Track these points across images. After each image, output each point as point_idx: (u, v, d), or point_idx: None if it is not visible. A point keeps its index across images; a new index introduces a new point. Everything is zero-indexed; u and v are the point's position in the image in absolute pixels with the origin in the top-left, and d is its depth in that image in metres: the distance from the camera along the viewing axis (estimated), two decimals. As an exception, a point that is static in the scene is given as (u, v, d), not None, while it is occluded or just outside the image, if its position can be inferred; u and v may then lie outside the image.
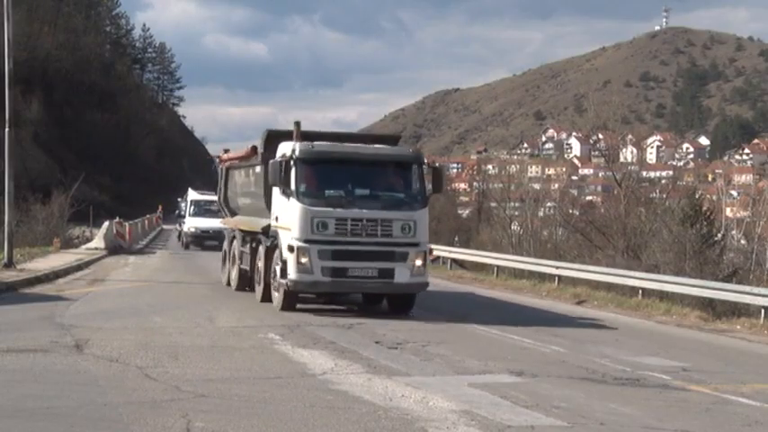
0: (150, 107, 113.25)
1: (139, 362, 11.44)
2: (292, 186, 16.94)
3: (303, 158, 17.07)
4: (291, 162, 17.02)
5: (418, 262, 17.12)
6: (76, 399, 9.27)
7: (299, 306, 17.44)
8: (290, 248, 16.68)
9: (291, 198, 16.91)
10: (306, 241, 16.63)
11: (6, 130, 24.52)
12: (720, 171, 66.51)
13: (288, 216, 17.04)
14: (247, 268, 20.07)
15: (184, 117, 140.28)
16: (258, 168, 19.26)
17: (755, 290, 20.16)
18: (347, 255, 16.73)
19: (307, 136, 17.79)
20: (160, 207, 60.09)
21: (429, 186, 18.18)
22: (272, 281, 17.89)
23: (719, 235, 32.02)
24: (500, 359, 12.92)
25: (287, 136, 17.89)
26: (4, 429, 7.99)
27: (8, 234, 24.26)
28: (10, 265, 23.54)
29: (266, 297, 18.25)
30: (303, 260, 16.57)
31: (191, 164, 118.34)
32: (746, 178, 73.85)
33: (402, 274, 17.00)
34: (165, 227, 57.05)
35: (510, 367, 12.28)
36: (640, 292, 22.40)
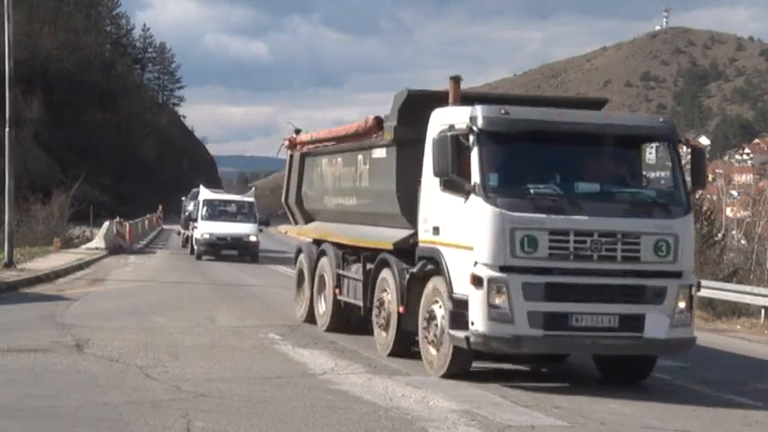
0: (150, 107, 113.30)
1: (140, 362, 11.45)
2: (475, 177, 10.71)
3: (493, 131, 10.84)
4: (470, 138, 10.83)
5: (681, 304, 10.88)
6: (77, 398, 9.28)
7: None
8: (476, 280, 10.46)
9: (472, 197, 10.70)
10: (503, 269, 10.47)
11: (7, 129, 24.56)
12: (721, 171, 66.36)
13: (464, 226, 10.86)
14: (357, 302, 13.71)
15: (184, 117, 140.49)
16: (381, 152, 13.18)
17: (755, 290, 20.18)
18: (571, 292, 10.59)
19: (469, 99, 11.68)
20: (160, 207, 60.08)
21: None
22: (422, 330, 11.62)
23: (720, 235, 32.00)
24: (500, 358, 12.90)
25: (438, 100, 11.97)
26: (4, 429, 8.00)
27: (8, 234, 24.28)
28: (10, 264, 23.56)
29: (399, 350, 12.45)
30: (498, 300, 10.38)
31: (191, 164, 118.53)
32: (747, 178, 73.72)
33: (657, 324, 10.75)
34: (165, 227, 57.07)
35: (510, 366, 12.27)
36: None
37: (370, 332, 13.40)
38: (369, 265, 13.27)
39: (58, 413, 8.64)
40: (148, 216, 52.58)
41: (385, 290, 12.66)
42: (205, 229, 32.78)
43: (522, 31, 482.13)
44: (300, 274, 16.50)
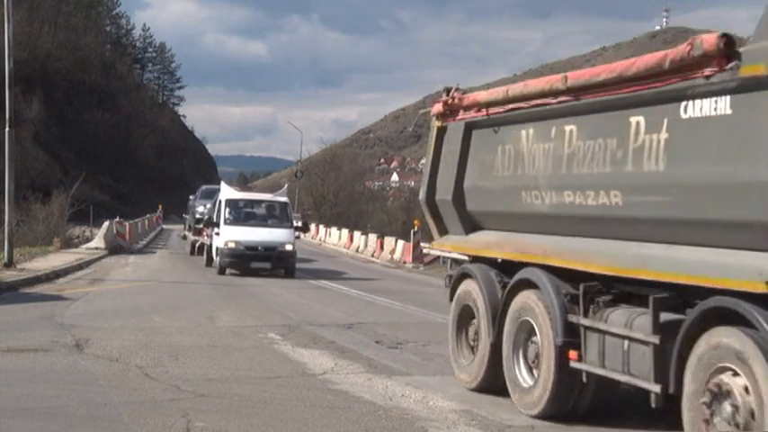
0: (150, 107, 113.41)
1: (139, 361, 11.45)
2: None
3: None
4: None
5: None
6: (77, 398, 9.27)
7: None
8: None
9: None
10: None
11: (7, 129, 24.54)
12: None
13: None
14: (637, 381, 7.77)
15: (184, 117, 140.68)
16: (716, 104, 6.99)
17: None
18: None
19: None
20: (160, 207, 60.17)
21: None
22: None
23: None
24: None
25: None
26: (4, 429, 8.00)
27: (8, 233, 24.26)
28: (10, 264, 23.55)
29: None
30: None
31: (191, 163, 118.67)
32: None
33: None
34: (164, 227, 57.12)
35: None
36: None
37: (621, 421, 9.06)
38: (666, 317, 7.51)
39: (58, 413, 8.64)
40: (148, 216, 52.62)
41: (728, 370, 6.72)
42: (230, 236, 26.04)
43: (522, 31, 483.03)
44: (465, 312, 10.82)
